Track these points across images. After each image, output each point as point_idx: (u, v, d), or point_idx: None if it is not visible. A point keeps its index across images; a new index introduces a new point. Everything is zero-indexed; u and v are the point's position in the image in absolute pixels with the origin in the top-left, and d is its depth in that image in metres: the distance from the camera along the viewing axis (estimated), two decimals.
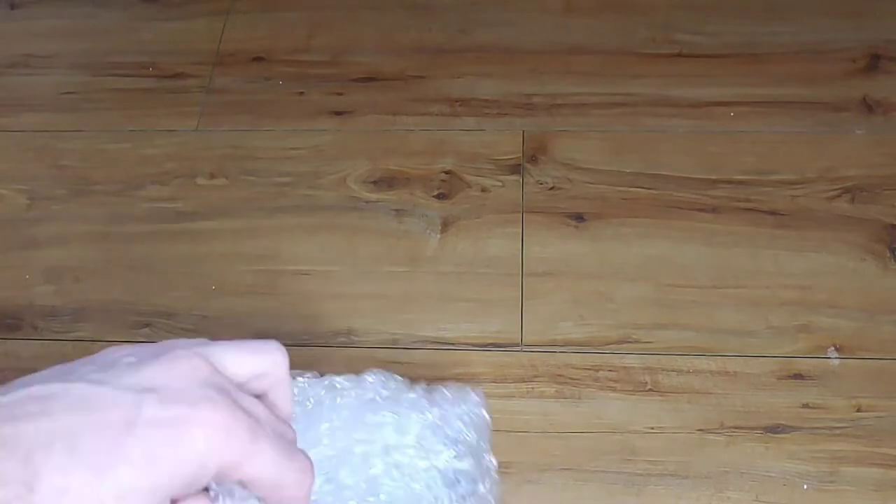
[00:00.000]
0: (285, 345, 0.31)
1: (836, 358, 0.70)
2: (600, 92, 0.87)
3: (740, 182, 0.80)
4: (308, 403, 0.58)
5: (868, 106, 0.83)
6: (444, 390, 0.59)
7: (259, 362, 0.30)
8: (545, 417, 0.69)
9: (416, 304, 0.75)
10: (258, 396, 0.31)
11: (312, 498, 0.56)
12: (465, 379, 0.71)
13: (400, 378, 0.61)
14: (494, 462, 0.57)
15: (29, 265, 0.80)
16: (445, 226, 0.79)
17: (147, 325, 0.76)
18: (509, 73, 0.89)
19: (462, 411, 0.57)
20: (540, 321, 0.73)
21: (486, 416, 0.58)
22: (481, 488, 0.55)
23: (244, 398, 0.28)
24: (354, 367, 0.68)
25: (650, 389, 0.69)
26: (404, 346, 0.73)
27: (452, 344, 0.73)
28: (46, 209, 0.84)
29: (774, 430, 0.67)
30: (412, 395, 0.58)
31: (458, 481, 0.54)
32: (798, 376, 0.69)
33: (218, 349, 0.29)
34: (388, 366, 0.72)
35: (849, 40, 0.88)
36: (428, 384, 0.61)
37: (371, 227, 0.80)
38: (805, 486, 0.64)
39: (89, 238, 0.81)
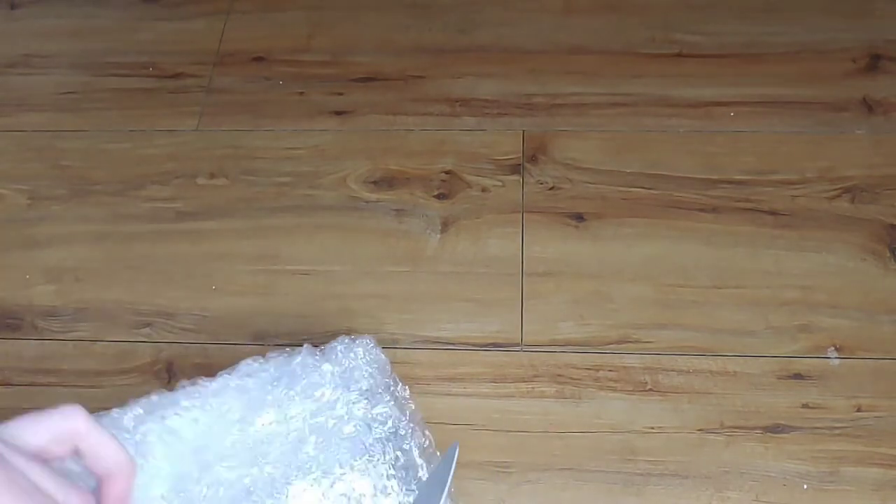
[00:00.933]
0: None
1: (836, 358, 0.70)
2: (600, 92, 0.87)
3: (740, 182, 0.80)
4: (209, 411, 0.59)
5: (868, 106, 0.83)
6: (337, 345, 0.63)
7: (53, 429, 0.37)
8: (545, 417, 0.69)
9: (416, 304, 0.75)
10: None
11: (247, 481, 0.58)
12: (466, 379, 0.71)
13: (276, 355, 0.63)
14: (406, 391, 0.62)
15: (29, 265, 0.80)
16: (445, 226, 0.79)
17: (147, 324, 0.76)
18: (509, 73, 0.89)
19: (360, 358, 0.62)
20: (540, 321, 0.73)
21: (382, 355, 0.63)
22: (402, 424, 0.60)
23: (16, 464, 0.34)
24: None
25: (650, 389, 0.69)
26: (404, 346, 0.73)
27: (452, 344, 0.73)
28: (47, 209, 0.84)
29: (774, 430, 0.67)
30: (309, 361, 0.61)
31: (376, 424, 0.59)
32: (798, 376, 0.69)
33: (16, 426, 0.36)
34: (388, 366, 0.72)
35: (849, 40, 0.88)
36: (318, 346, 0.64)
37: (371, 227, 0.80)
38: (805, 486, 0.64)
39: (89, 238, 0.81)
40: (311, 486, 0.57)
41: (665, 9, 0.92)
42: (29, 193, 0.85)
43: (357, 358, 0.62)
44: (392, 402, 0.60)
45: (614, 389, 0.70)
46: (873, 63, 0.86)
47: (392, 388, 0.62)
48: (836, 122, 0.83)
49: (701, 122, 0.84)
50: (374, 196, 0.82)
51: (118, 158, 0.87)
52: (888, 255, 0.75)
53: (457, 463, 0.56)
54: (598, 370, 0.71)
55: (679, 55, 0.89)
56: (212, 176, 0.84)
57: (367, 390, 0.60)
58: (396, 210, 0.81)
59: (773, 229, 0.77)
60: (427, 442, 0.61)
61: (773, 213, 0.78)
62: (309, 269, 0.78)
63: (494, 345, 0.73)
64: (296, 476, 0.57)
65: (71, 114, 0.90)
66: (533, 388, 0.70)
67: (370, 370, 0.61)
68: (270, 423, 0.58)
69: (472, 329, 0.73)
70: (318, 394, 0.59)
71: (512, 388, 0.70)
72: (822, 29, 0.89)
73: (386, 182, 0.83)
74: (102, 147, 0.88)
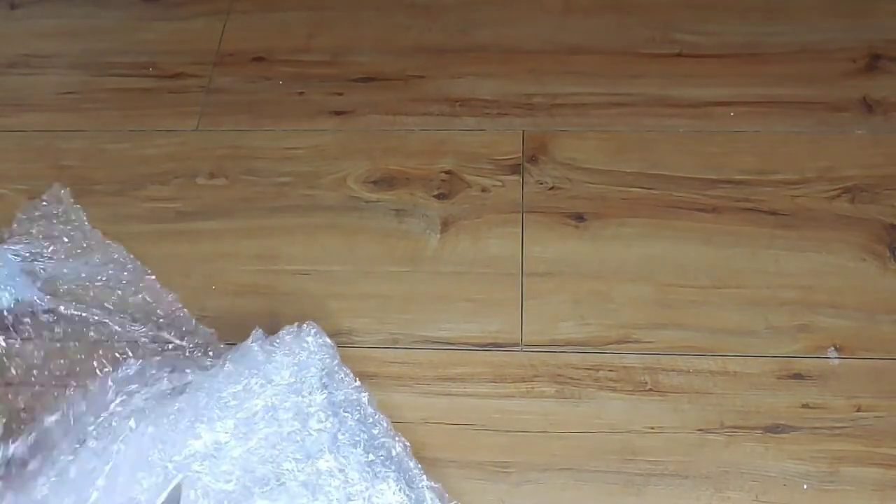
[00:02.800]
0: None
1: (836, 358, 0.70)
2: (600, 92, 0.87)
3: (740, 182, 0.80)
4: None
5: (868, 106, 0.83)
6: (286, 337, 0.66)
7: None
8: (545, 417, 0.69)
9: (416, 304, 0.75)
10: None
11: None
12: (466, 379, 0.71)
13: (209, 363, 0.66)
14: (353, 377, 0.66)
15: None
16: (445, 226, 0.79)
17: None
18: (509, 73, 0.89)
19: (311, 352, 0.65)
20: (540, 321, 0.73)
21: (329, 340, 0.66)
22: (366, 407, 0.64)
23: None
24: (355, 368, 0.68)
25: (650, 389, 0.69)
26: (404, 346, 0.73)
27: (452, 344, 0.73)
28: None
29: (774, 430, 0.67)
30: (270, 366, 0.64)
31: (341, 411, 0.64)
32: (798, 376, 0.69)
33: None
34: (388, 365, 0.72)
35: (849, 40, 0.88)
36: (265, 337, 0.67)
37: (371, 227, 0.80)
38: (805, 486, 0.64)
39: None
40: (299, 472, 0.60)
41: (665, 9, 0.92)
42: (29, 193, 0.85)
43: (307, 347, 0.65)
44: (350, 389, 0.64)
45: (614, 389, 0.70)
46: (873, 63, 0.86)
47: (344, 374, 0.65)
48: (836, 122, 0.83)
49: (701, 122, 0.84)
50: (374, 196, 0.82)
51: (118, 158, 0.87)
52: (888, 255, 0.75)
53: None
54: (597, 370, 0.71)
55: (679, 55, 0.89)
56: (212, 176, 0.84)
57: (324, 376, 0.64)
58: (396, 210, 0.81)
59: (773, 229, 0.77)
60: (388, 424, 0.65)
61: (773, 213, 0.78)
62: (309, 269, 0.78)
63: (494, 345, 0.73)
64: (279, 473, 0.60)
65: (71, 114, 0.90)
66: (533, 387, 0.70)
67: (321, 358, 0.65)
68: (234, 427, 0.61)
69: (472, 329, 0.73)
70: (276, 389, 0.63)
71: (512, 388, 0.70)
72: (822, 29, 0.89)
73: (386, 182, 0.83)
74: (102, 147, 0.88)
